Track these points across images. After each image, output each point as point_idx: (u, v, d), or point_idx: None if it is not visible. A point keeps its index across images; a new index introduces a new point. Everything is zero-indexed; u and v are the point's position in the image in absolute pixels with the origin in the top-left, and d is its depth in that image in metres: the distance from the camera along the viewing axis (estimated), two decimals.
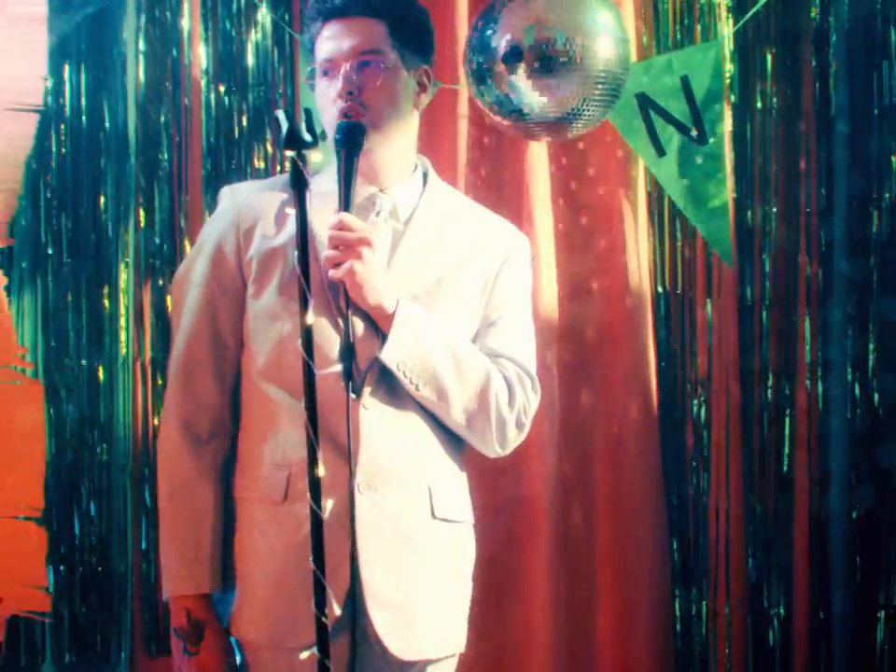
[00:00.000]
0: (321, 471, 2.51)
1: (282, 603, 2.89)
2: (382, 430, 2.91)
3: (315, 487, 2.46)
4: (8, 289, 3.88)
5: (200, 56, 4.28)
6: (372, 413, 2.89)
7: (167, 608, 3.10)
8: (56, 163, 4.05)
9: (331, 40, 2.91)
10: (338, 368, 2.79)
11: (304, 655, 2.63)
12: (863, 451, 4.45)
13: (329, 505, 2.76)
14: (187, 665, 2.93)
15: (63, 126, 4.07)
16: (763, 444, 4.51)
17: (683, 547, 4.50)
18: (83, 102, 4.08)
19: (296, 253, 2.53)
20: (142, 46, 4.24)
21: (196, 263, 3.02)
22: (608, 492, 4.42)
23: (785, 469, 4.49)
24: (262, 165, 4.37)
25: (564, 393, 4.43)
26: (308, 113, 2.53)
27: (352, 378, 2.83)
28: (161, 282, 4.31)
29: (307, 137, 2.41)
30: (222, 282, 2.98)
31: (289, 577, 2.87)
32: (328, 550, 2.62)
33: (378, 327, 2.85)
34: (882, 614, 4.35)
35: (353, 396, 2.80)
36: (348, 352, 2.83)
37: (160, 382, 4.27)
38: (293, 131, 2.39)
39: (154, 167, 4.28)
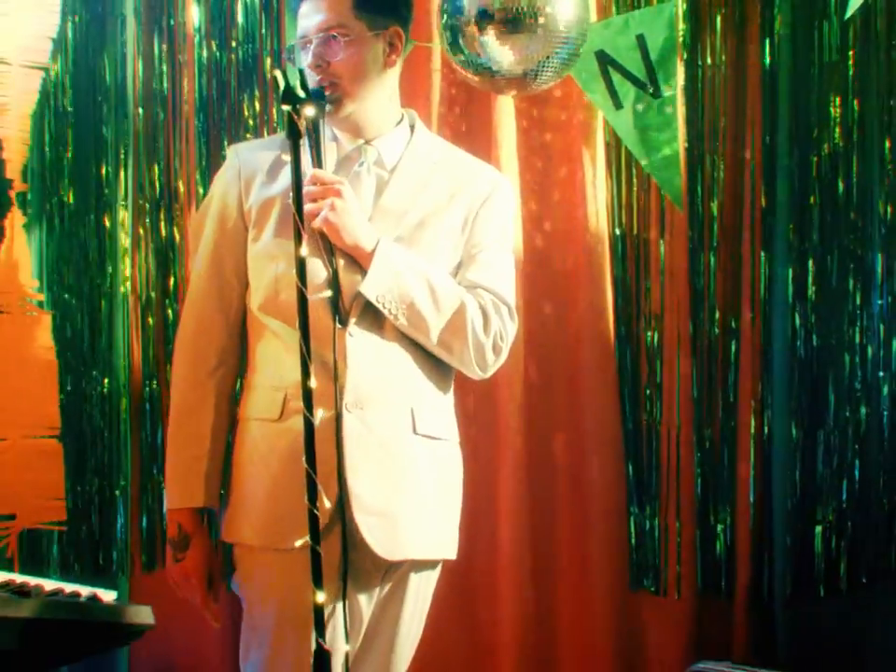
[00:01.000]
0: (313, 383, 2.71)
1: (275, 507, 3.08)
2: (367, 355, 3.11)
3: (308, 398, 2.67)
4: (28, 228, 4.01)
5: (192, 15, 4.35)
6: (358, 339, 3.08)
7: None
8: (62, 115, 4.13)
9: (304, 18, 3.14)
10: (327, 293, 2.99)
11: (299, 543, 2.82)
12: (802, 378, 4.60)
13: (319, 414, 2.92)
14: (173, 569, 3.16)
15: (68, 80, 4.11)
16: (711, 373, 4.66)
17: (638, 468, 4.67)
18: (87, 58, 4.14)
19: (290, 196, 2.76)
20: (139, 5, 4.31)
21: (207, 214, 3.25)
22: (569, 417, 4.59)
23: (731, 395, 4.65)
24: (251, 118, 4.46)
25: (528, 326, 4.50)
26: (301, 72, 2.74)
27: (339, 310, 3.00)
28: (158, 221, 4.39)
29: (301, 93, 2.64)
30: (226, 230, 3.21)
31: (282, 485, 3.06)
32: (318, 460, 2.79)
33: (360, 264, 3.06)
34: (818, 528, 4.54)
35: (339, 325, 2.99)
36: (335, 287, 3.00)
37: (150, 318, 4.36)
38: (289, 87, 2.62)
39: (152, 119, 4.38)
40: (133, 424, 4.35)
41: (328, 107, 3.00)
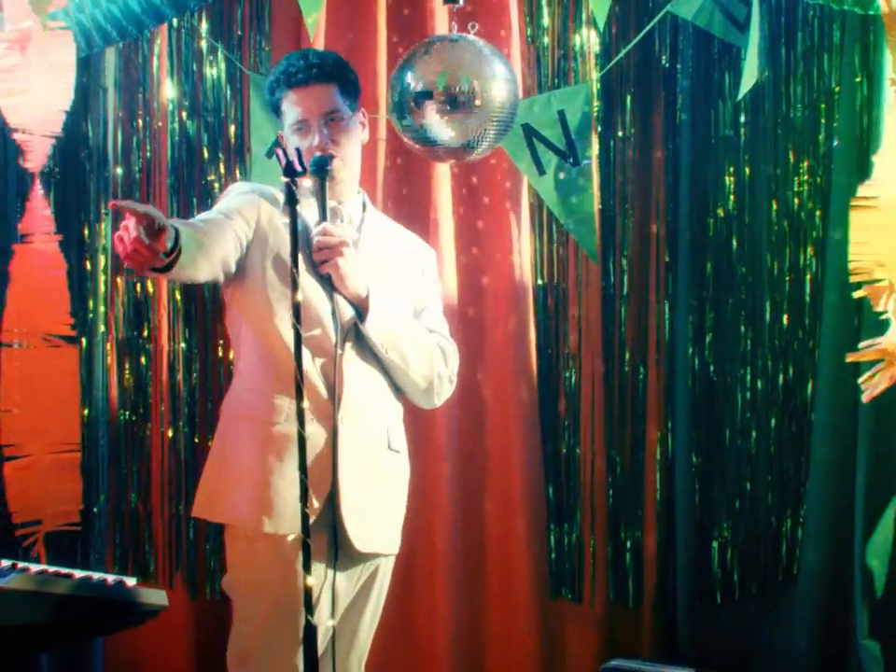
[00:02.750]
0: (306, 404, 3.04)
1: (273, 497, 3.35)
2: (356, 377, 3.47)
3: (301, 416, 3.01)
4: None
5: (166, 88, 4.63)
6: (350, 365, 3.46)
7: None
8: (57, 175, 4.35)
9: (300, 105, 3.49)
10: (317, 332, 3.35)
11: (291, 538, 3.21)
12: (700, 411, 4.76)
13: (319, 425, 3.32)
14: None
15: (60, 144, 4.25)
16: (622, 406, 4.88)
17: (557, 490, 4.89)
18: (74, 123, 4.31)
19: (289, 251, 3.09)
20: (120, 80, 4.57)
21: (235, 190, 3.51)
22: (497, 444, 4.83)
23: (639, 426, 4.86)
24: (216, 178, 4.70)
25: (462, 366, 4.54)
26: (298, 151, 3.15)
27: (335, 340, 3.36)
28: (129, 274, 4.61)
29: (299, 168, 3.06)
30: (246, 214, 3.40)
31: (278, 478, 3.34)
32: (315, 463, 3.24)
33: (352, 304, 3.40)
34: (715, 544, 4.75)
35: (339, 352, 3.36)
36: (335, 322, 3.36)
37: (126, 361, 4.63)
38: (289, 163, 3.03)
39: (129, 176, 4.64)
40: (110, 447, 4.58)
41: (331, 172, 3.38)
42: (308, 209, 3.44)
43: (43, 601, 2.78)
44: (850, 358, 4.11)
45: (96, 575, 3.06)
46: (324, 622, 3.35)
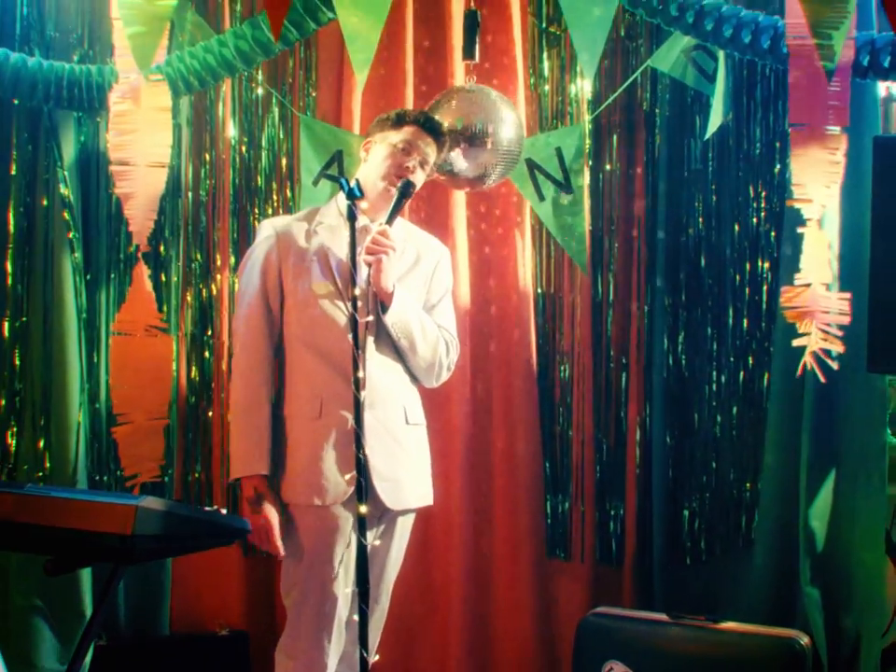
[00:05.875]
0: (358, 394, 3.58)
1: (317, 476, 3.85)
2: (377, 368, 3.92)
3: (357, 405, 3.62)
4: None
5: (229, 126, 4.99)
6: (372, 358, 3.90)
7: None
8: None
9: (418, 137, 3.98)
10: (370, 318, 3.79)
11: (347, 477, 3.69)
12: (674, 401, 5.07)
13: (348, 413, 3.72)
14: (255, 525, 3.79)
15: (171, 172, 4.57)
16: (608, 396, 5.19)
17: (553, 466, 5.22)
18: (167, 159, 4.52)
19: (324, 264, 3.75)
20: (191, 119, 4.93)
21: (253, 269, 3.97)
22: (503, 426, 5.14)
23: (622, 413, 5.18)
24: (270, 205, 5.06)
25: (473, 355, 5.10)
26: (357, 181, 3.70)
27: (356, 335, 3.72)
28: (198, 280, 5.02)
29: (357, 193, 3.64)
30: (269, 281, 3.95)
31: (321, 460, 3.84)
32: (345, 444, 3.73)
33: (379, 301, 3.85)
34: (686, 512, 5.09)
35: (359, 350, 3.73)
36: (353, 324, 3.72)
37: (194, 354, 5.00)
38: (351, 188, 3.61)
39: (198, 202, 4.99)
40: (180, 426, 4.98)
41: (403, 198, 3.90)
42: (328, 229, 3.95)
43: (168, 518, 3.28)
44: (795, 343, 4.38)
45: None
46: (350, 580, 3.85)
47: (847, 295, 4.38)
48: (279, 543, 3.86)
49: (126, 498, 3.28)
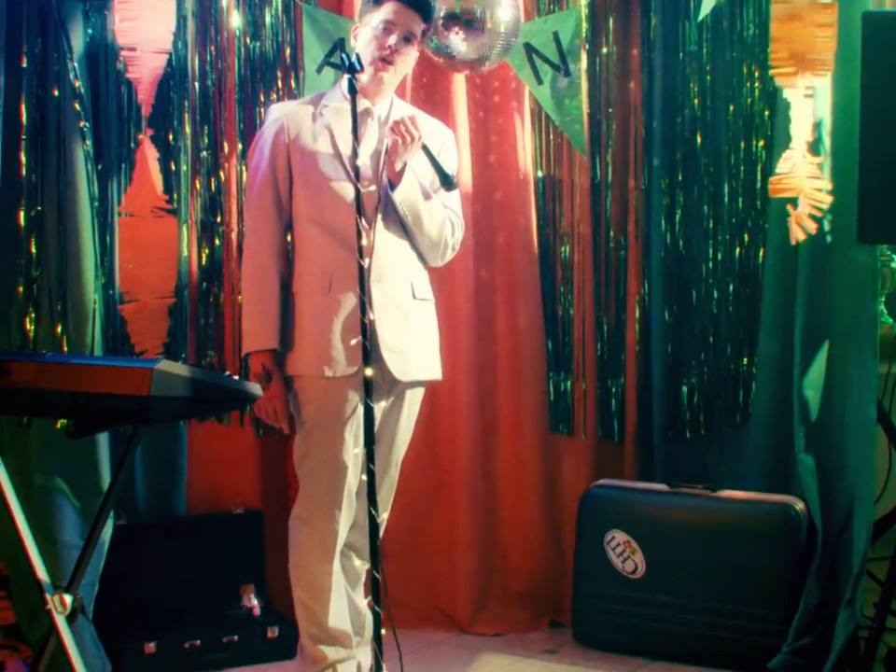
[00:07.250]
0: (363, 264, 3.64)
1: (328, 349, 3.95)
2: (384, 244, 4.01)
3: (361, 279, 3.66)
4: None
5: (233, 18, 4.98)
6: (380, 234, 4.00)
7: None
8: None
9: (397, 16, 3.94)
10: (372, 188, 3.88)
11: (353, 342, 3.80)
12: (672, 279, 5.15)
13: (356, 288, 3.75)
14: (262, 400, 3.86)
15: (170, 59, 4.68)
16: (607, 276, 5.26)
17: (555, 344, 5.30)
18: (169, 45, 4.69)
19: (329, 142, 3.80)
20: (196, 10, 4.92)
21: (262, 152, 4.06)
22: (506, 306, 5.23)
23: (621, 292, 5.26)
24: (275, 92, 5.02)
25: (477, 239, 5.17)
26: (358, 56, 3.76)
27: (364, 214, 3.82)
28: (208, 168, 5.02)
29: (357, 67, 3.71)
30: (278, 163, 4.03)
31: (331, 335, 3.93)
32: (355, 317, 3.77)
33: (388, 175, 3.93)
34: (685, 388, 5.18)
35: (367, 225, 3.84)
36: (357, 200, 3.79)
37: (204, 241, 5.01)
38: (351, 62, 3.68)
39: (205, 91, 4.98)
40: (191, 310, 5.04)
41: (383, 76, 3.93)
42: (334, 112, 4.02)
43: (183, 381, 3.35)
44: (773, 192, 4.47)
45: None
46: (358, 442, 3.94)
47: (823, 160, 4.49)
48: (286, 419, 3.99)
49: (143, 362, 3.37)
